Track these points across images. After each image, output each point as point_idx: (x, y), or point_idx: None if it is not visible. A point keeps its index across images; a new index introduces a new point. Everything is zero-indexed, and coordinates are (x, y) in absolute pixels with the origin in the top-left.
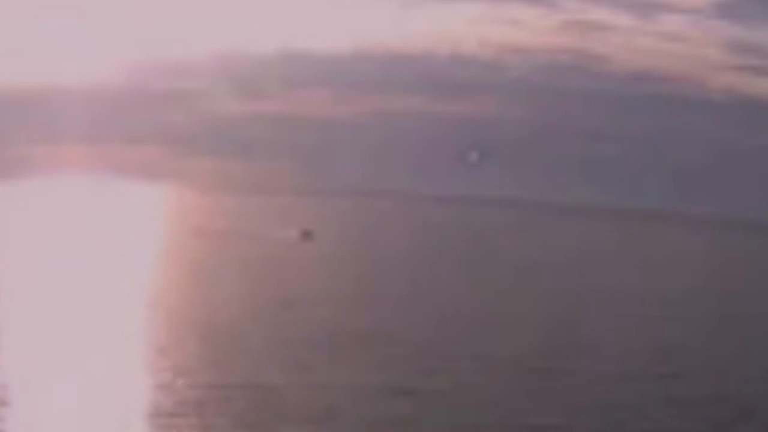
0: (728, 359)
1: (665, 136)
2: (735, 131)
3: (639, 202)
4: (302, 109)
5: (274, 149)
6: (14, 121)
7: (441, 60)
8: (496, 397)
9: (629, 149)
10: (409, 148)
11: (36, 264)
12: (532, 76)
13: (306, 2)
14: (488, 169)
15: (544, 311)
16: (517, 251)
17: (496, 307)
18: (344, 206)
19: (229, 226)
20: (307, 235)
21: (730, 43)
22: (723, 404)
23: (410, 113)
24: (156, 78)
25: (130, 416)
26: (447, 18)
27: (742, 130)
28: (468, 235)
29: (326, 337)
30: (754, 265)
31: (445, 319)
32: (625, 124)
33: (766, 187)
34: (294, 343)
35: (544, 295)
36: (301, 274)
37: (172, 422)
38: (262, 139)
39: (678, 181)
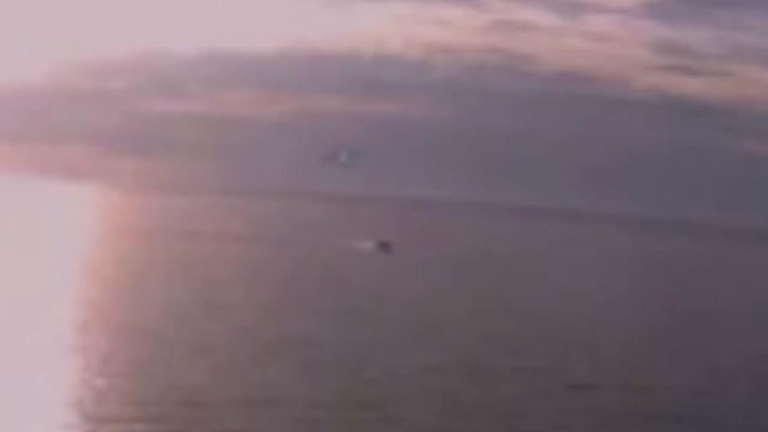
0: (656, 366)
1: (592, 135)
2: (661, 131)
3: (565, 202)
4: (227, 109)
5: (199, 149)
6: None
7: (367, 60)
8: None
9: (556, 149)
10: (323, 154)
11: None
12: (458, 76)
13: (231, 2)
14: (414, 170)
15: (471, 314)
16: (442, 252)
17: (420, 310)
18: (270, 207)
19: (156, 225)
20: (384, 246)
21: (657, 43)
22: (653, 415)
23: (336, 113)
24: (80, 77)
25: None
26: (373, 17)
27: (668, 130)
28: (395, 235)
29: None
30: (680, 265)
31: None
32: (551, 124)
33: (691, 186)
34: (221, 348)
35: (470, 296)
36: (238, 277)
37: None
38: (187, 138)
39: (604, 181)
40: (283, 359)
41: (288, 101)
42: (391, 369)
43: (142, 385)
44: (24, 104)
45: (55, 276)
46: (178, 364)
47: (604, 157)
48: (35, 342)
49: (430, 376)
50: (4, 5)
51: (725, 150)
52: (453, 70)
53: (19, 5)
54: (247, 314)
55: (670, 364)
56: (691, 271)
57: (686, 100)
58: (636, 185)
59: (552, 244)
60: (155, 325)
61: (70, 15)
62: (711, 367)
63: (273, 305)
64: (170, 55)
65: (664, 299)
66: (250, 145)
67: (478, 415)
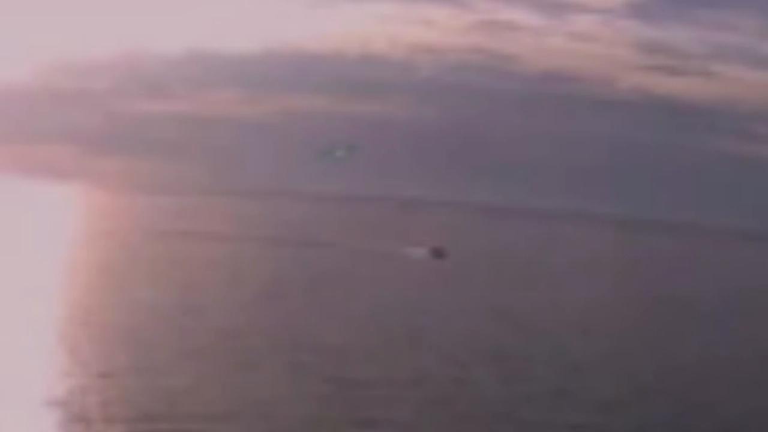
0: (643, 374)
1: (575, 135)
2: (645, 131)
3: (549, 202)
4: (211, 109)
5: (183, 149)
6: None
7: (351, 60)
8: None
9: (540, 149)
10: (319, 149)
11: None
12: (443, 76)
13: (215, 1)
14: (398, 170)
15: (455, 317)
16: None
17: (406, 312)
18: (255, 207)
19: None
20: (438, 253)
21: (641, 43)
22: (640, 426)
23: (320, 113)
24: (64, 77)
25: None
26: (357, 17)
27: (652, 130)
28: (378, 235)
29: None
30: (664, 266)
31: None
32: (535, 124)
33: (675, 187)
34: (205, 351)
35: (455, 298)
36: (216, 277)
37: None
38: (171, 139)
39: (588, 181)
40: (269, 364)
41: (272, 101)
42: (378, 374)
43: (123, 391)
44: (7, 104)
45: (37, 276)
46: (162, 368)
47: (588, 157)
48: (17, 343)
49: (416, 382)
50: None
51: (709, 150)
52: (437, 70)
53: (0, 5)
54: (231, 316)
55: (656, 372)
56: (675, 272)
57: (670, 100)
58: (620, 185)
59: (536, 245)
60: (138, 327)
61: (54, 15)
62: (695, 372)
63: (258, 307)
64: (154, 55)
65: (649, 301)
66: (234, 145)
67: (465, 422)
